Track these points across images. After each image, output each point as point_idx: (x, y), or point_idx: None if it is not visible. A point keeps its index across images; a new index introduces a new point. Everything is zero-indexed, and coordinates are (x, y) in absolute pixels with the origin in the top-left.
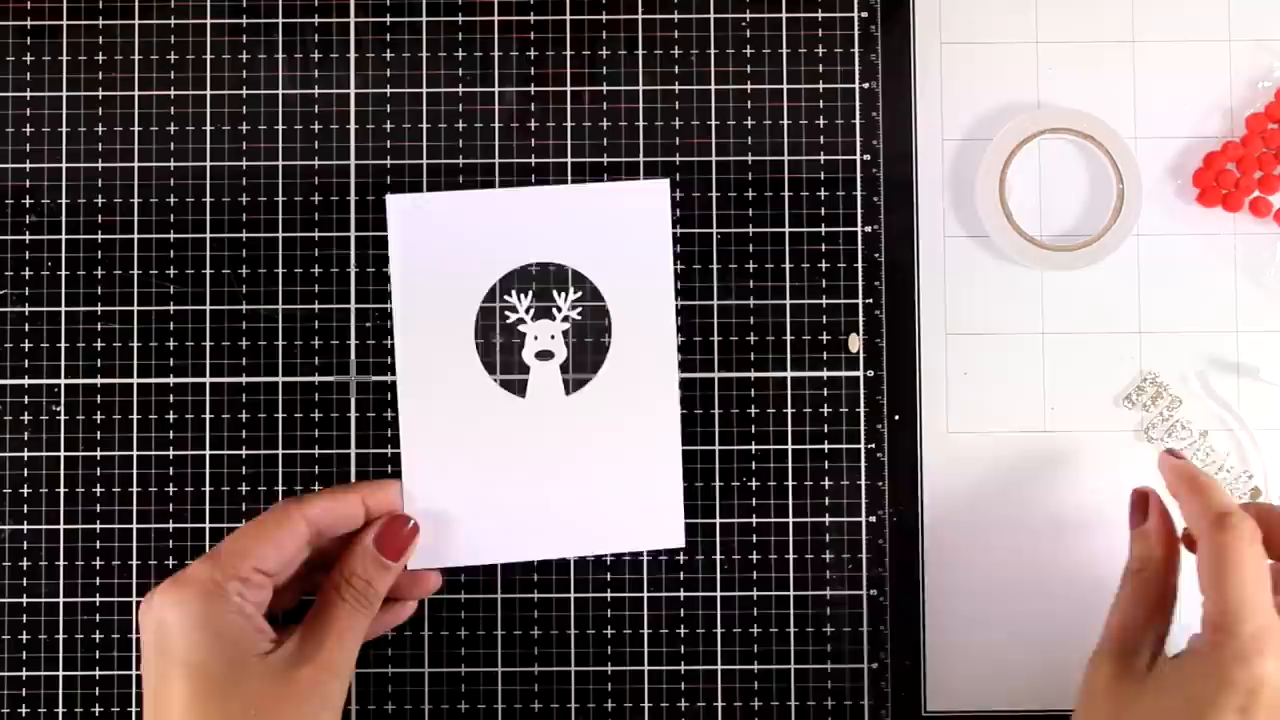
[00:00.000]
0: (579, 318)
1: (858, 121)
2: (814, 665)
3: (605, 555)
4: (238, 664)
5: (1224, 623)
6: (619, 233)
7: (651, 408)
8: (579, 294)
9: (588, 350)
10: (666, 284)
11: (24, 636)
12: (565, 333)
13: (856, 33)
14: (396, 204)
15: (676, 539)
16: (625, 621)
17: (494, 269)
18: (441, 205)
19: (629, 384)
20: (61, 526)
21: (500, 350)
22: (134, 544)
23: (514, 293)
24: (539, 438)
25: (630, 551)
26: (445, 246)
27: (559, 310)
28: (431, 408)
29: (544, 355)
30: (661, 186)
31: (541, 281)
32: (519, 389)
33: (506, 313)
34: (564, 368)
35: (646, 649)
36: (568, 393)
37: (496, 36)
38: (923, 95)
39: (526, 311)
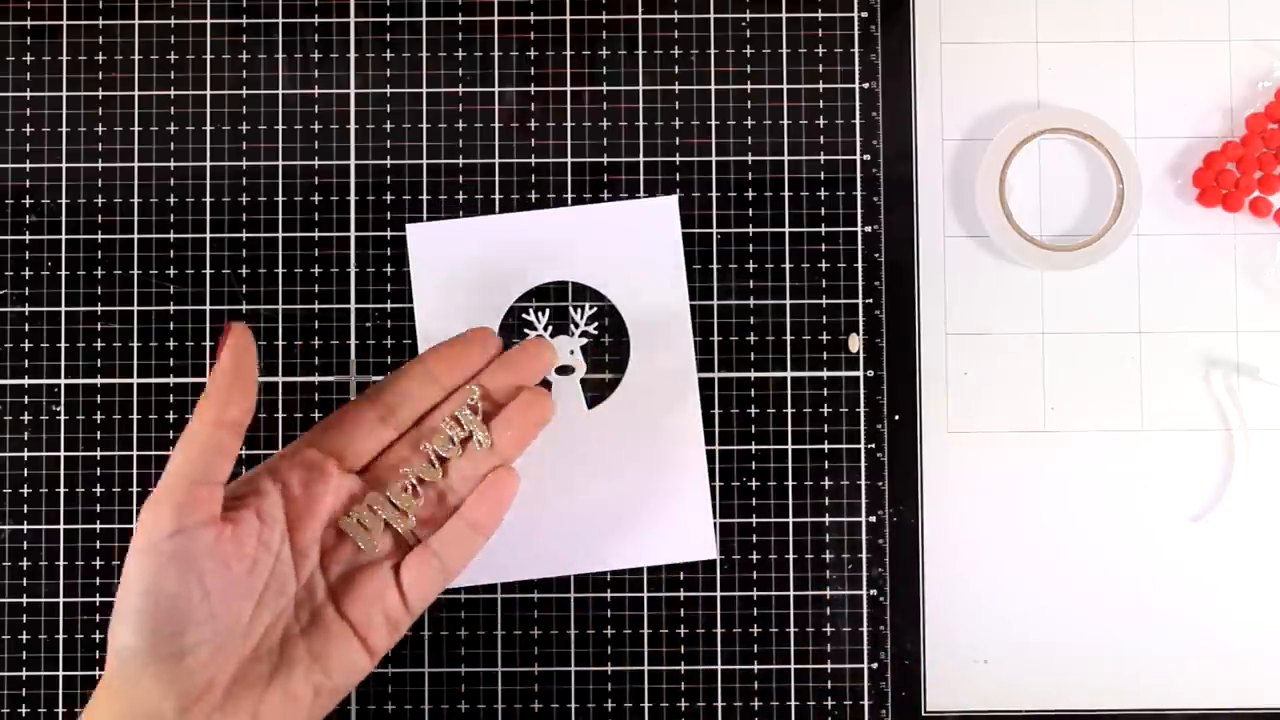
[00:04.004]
0: (595, 333)
1: (858, 121)
2: (814, 665)
3: (640, 569)
4: None
5: None
6: (631, 250)
7: (673, 420)
8: (595, 310)
9: (606, 365)
10: (681, 298)
11: (24, 636)
12: (584, 348)
13: (856, 33)
14: (416, 232)
15: (708, 551)
16: (625, 621)
17: (511, 290)
18: (459, 231)
19: (649, 397)
20: (61, 526)
21: None
22: None
23: (531, 310)
24: (564, 452)
25: (662, 565)
26: (463, 271)
27: (576, 326)
28: None
29: (564, 370)
30: (670, 203)
31: (558, 299)
32: None
33: (525, 330)
34: (584, 383)
35: (646, 649)
36: (590, 407)
37: (496, 36)
38: (923, 95)
39: (545, 328)
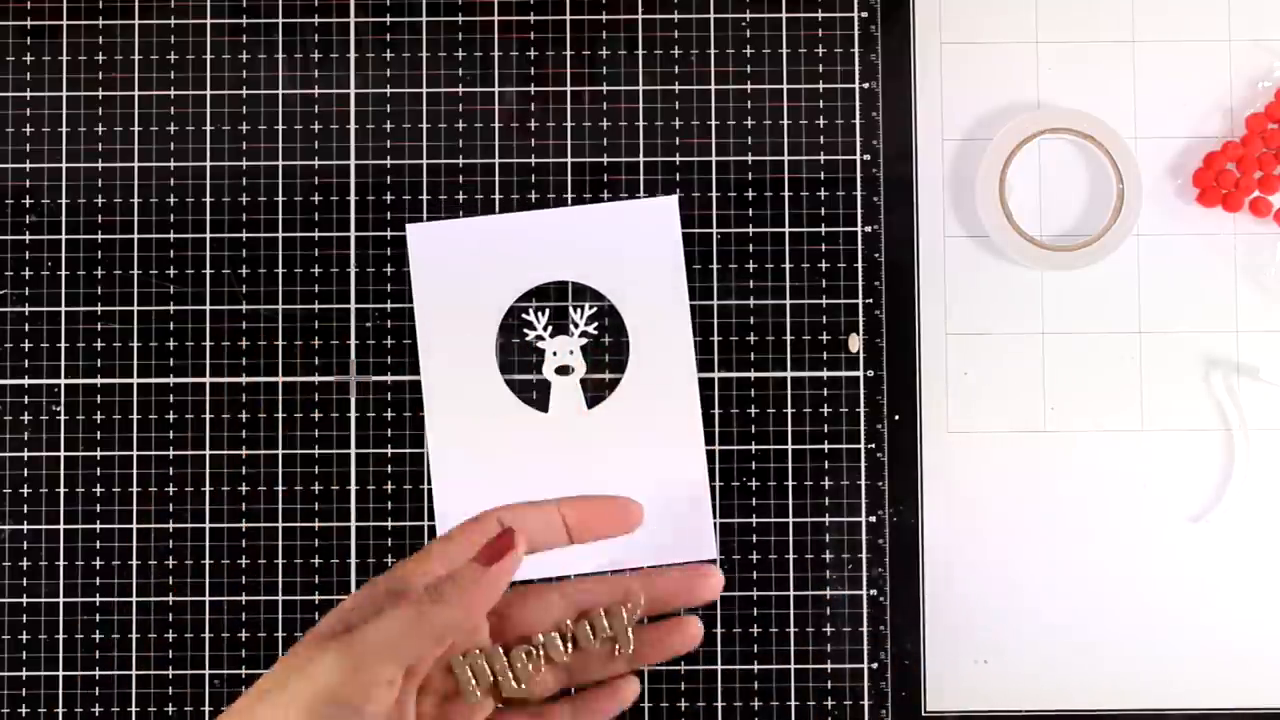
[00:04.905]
0: (595, 333)
1: (858, 121)
2: (814, 665)
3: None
4: None
5: None
6: (631, 249)
7: (673, 420)
8: (595, 310)
9: (606, 365)
10: (680, 297)
11: (24, 636)
12: (584, 348)
13: (856, 33)
14: (416, 233)
15: (708, 550)
16: None
17: (511, 289)
18: (459, 231)
19: (649, 398)
20: (61, 526)
21: (521, 367)
22: (134, 544)
23: (531, 311)
24: (564, 452)
25: (663, 564)
26: (464, 271)
27: (576, 326)
28: (459, 426)
29: (563, 370)
30: (670, 203)
31: (558, 299)
32: (541, 404)
33: (525, 330)
34: (584, 383)
35: None
36: (589, 407)
37: (496, 36)
38: (923, 95)
39: (545, 328)
